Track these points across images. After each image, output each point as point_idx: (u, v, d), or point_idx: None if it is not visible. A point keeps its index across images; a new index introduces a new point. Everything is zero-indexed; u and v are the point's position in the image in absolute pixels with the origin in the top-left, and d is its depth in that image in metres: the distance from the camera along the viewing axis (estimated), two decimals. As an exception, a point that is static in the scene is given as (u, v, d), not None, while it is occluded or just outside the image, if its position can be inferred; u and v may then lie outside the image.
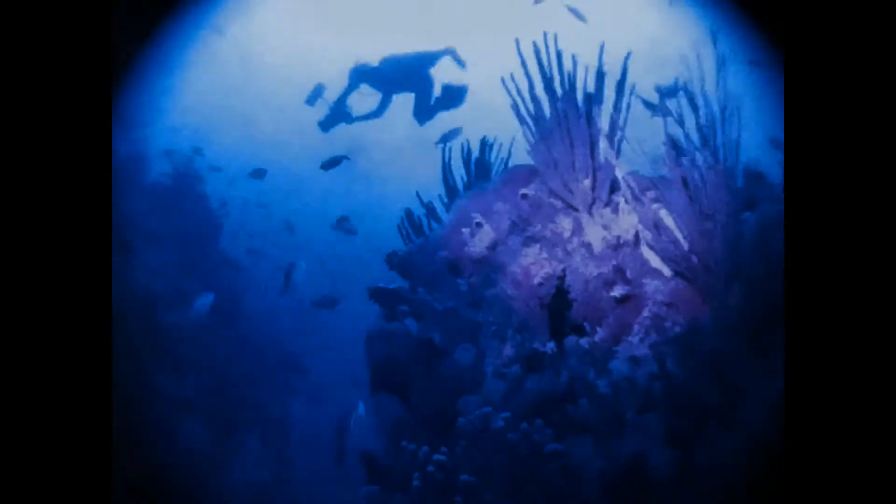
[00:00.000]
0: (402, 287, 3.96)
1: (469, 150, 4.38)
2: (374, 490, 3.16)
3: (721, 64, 3.00)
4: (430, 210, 4.56)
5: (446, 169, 4.43)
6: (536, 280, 3.57)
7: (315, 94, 6.82)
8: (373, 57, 6.62)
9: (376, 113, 6.73)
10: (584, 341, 3.42)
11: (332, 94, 6.82)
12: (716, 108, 3.06)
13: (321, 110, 6.83)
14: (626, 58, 3.63)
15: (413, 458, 2.98)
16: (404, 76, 6.49)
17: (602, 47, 3.63)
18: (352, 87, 6.64)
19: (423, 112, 6.63)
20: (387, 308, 4.06)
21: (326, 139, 6.96)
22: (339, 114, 6.68)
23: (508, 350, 3.58)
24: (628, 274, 3.50)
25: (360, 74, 6.57)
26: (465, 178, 4.38)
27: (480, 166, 4.40)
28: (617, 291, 3.40)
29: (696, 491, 2.88)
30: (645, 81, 3.77)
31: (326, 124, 6.72)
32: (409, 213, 4.54)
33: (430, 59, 6.58)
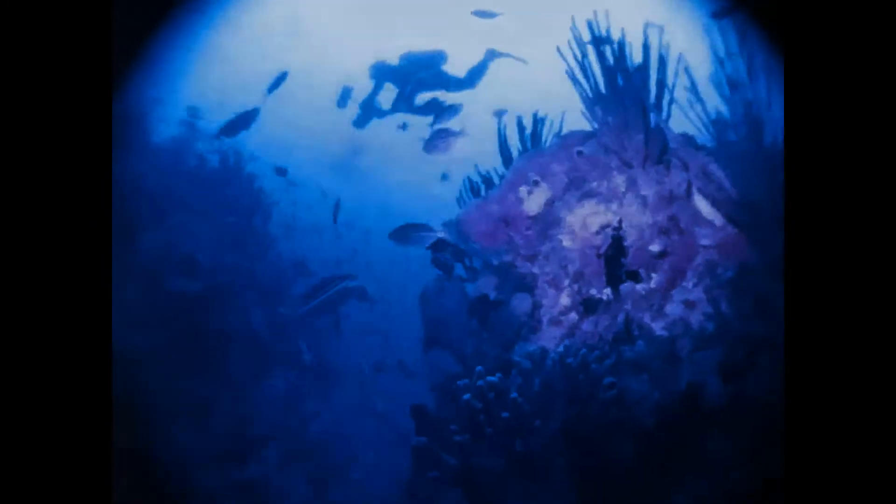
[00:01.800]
0: (457, 243, 4.13)
1: (523, 124, 4.54)
2: (423, 441, 3.32)
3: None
4: (487, 180, 4.73)
5: (502, 141, 4.59)
6: (593, 229, 3.71)
7: (344, 97, 6.96)
8: (392, 54, 6.76)
9: (405, 107, 6.86)
10: (640, 287, 3.55)
11: (358, 93, 7.00)
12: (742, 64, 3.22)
13: (352, 110, 7.02)
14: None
15: (465, 389, 3.13)
16: (422, 72, 6.65)
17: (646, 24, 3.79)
18: (378, 86, 6.80)
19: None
20: (442, 266, 4.23)
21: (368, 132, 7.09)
22: (370, 111, 6.82)
23: (565, 299, 3.72)
24: (682, 223, 3.62)
25: (382, 72, 6.76)
26: (520, 149, 4.55)
27: (534, 138, 4.55)
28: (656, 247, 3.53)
29: (751, 422, 3.00)
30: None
31: (360, 122, 6.87)
32: (468, 181, 4.72)
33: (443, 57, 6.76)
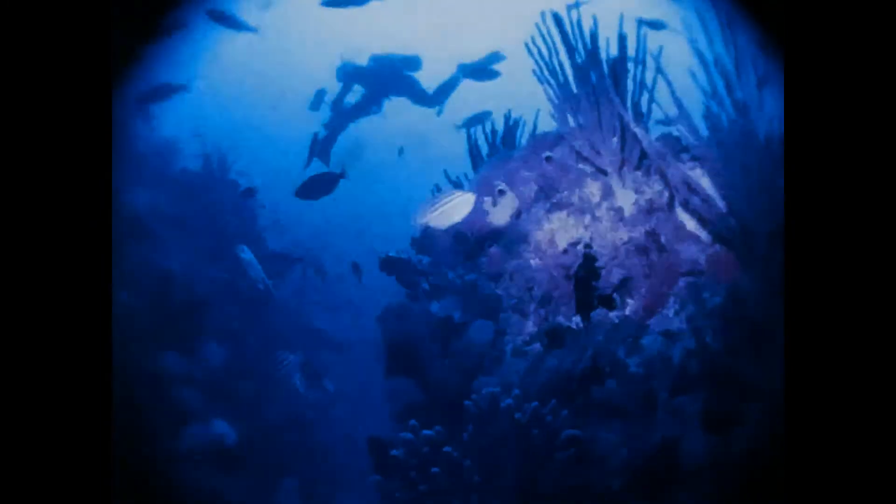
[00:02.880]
0: (417, 259, 3.69)
1: (493, 126, 4.09)
2: (380, 480, 2.90)
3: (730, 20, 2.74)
4: (457, 185, 4.28)
5: (472, 144, 4.14)
6: (562, 247, 3.24)
7: (317, 100, 6.71)
8: (361, 55, 6.51)
9: (376, 110, 6.58)
10: (613, 315, 3.09)
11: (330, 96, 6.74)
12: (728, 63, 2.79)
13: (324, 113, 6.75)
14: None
15: (418, 446, 2.70)
16: (390, 76, 6.35)
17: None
18: (346, 87, 6.52)
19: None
20: (403, 284, 3.80)
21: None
22: (340, 114, 6.55)
23: (530, 326, 3.27)
24: (662, 239, 3.15)
25: (349, 73, 6.44)
26: (488, 153, 4.10)
27: (507, 141, 4.10)
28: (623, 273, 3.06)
29: (735, 482, 2.54)
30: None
31: (330, 125, 6.60)
32: (437, 190, 4.28)
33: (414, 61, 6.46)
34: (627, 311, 3.07)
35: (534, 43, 3.42)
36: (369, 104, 6.43)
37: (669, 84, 3.11)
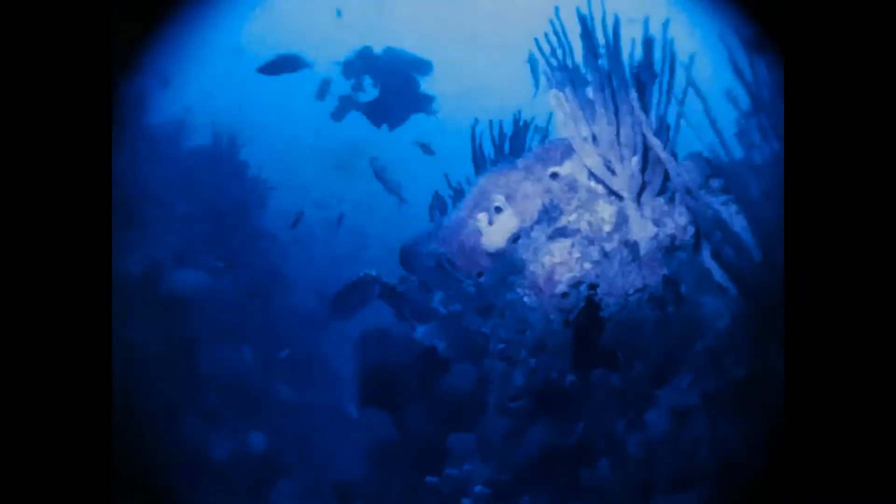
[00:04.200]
0: (402, 277, 3.19)
1: (501, 127, 3.54)
2: None
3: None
4: (457, 192, 3.74)
5: (476, 147, 3.59)
6: (560, 287, 2.72)
7: (322, 89, 6.29)
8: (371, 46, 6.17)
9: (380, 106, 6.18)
10: (615, 377, 2.58)
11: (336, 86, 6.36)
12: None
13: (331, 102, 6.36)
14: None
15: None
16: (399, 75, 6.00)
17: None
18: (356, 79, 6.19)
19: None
20: (387, 307, 3.33)
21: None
22: (346, 103, 6.14)
23: (517, 378, 2.77)
24: (683, 289, 2.61)
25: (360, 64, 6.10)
26: (493, 159, 3.56)
27: (515, 145, 3.55)
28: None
29: None
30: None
31: (338, 115, 6.19)
32: (436, 196, 3.75)
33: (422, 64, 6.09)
34: (632, 376, 2.56)
35: (546, 39, 2.86)
36: (373, 98, 6.07)
37: (700, 95, 2.56)
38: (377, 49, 6.02)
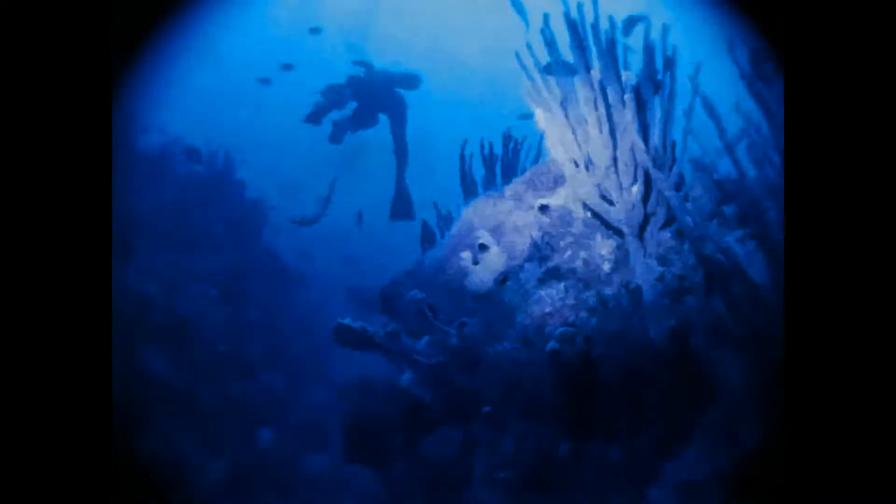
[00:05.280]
0: (379, 328, 2.84)
1: (492, 148, 3.18)
2: None
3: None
4: (447, 221, 3.38)
5: (465, 171, 3.23)
6: (552, 343, 2.35)
7: (317, 112, 6.02)
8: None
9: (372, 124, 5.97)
10: (616, 451, 2.22)
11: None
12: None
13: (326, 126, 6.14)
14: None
15: None
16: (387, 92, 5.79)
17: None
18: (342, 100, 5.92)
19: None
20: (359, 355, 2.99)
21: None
22: (341, 126, 5.88)
23: (507, 443, 2.42)
24: (692, 341, 2.23)
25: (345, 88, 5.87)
26: (482, 184, 3.20)
27: (507, 168, 3.18)
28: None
29: None
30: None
31: (335, 137, 5.97)
32: (424, 227, 3.39)
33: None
34: (634, 446, 2.19)
35: (528, 51, 2.48)
36: (366, 119, 5.78)
37: (713, 112, 2.18)
38: (367, 69, 5.78)
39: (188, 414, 4.57)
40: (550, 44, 2.46)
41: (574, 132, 2.42)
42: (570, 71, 2.40)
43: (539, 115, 2.42)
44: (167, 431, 4.38)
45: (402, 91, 5.69)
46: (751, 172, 2.24)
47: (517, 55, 2.50)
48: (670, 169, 2.41)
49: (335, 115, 5.72)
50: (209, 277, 4.99)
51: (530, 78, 2.50)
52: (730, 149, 2.18)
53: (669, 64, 2.39)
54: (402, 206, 5.41)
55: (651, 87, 2.37)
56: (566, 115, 2.43)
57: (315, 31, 8.52)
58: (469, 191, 3.23)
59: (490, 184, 3.18)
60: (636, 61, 2.47)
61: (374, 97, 5.68)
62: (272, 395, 4.94)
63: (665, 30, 2.37)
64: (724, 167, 2.35)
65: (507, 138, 3.22)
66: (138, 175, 4.96)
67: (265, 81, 5.99)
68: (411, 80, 5.70)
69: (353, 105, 5.70)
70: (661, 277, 2.35)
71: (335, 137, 5.76)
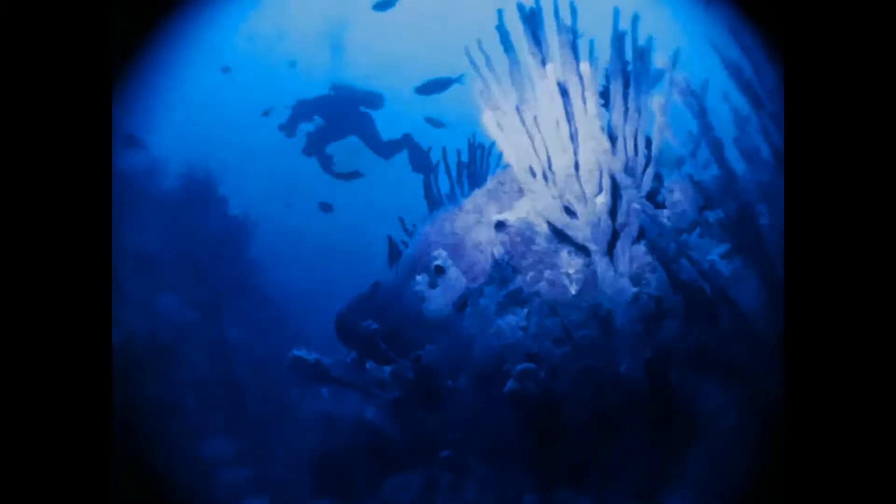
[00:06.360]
0: (334, 358, 2.57)
1: (460, 157, 2.90)
2: None
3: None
4: (413, 235, 3.09)
5: (429, 183, 2.95)
6: (511, 384, 2.05)
7: (290, 123, 5.83)
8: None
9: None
10: (587, 500, 1.92)
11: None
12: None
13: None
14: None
15: None
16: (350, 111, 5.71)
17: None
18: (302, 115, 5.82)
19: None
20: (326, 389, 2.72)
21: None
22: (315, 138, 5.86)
23: (470, 492, 2.13)
24: (672, 375, 1.92)
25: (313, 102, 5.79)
26: (447, 194, 2.91)
27: (473, 176, 2.89)
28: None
29: None
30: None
31: (308, 150, 5.89)
32: (390, 244, 3.10)
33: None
34: (607, 496, 1.89)
35: (479, 48, 2.19)
36: (331, 135, 5.61)
37: (695, 101, 1.89)
38: (334, 88, 5.65)
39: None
40: (505, 40, 2.18)
41: (530, 136, 2.12)
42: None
43: (488, 117, 2.12)
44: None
45: (366, 109, 5.51)
46: (739, 170, 1.96)
47: (467, 52, 2.21)
48: (643, 172, 2.11)
49: (308, 126, 5.53)
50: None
51: (480, 77, 2.21)
52: (715, 144, 1.89)
53: (642, 54, 2.09)
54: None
55: (620, 80, 2.07)
56: (520, 117, 2.13)
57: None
58: (434, 203, 2.94)
59: (455, 195, 2.89)
60: (603, 52, 2.17)
61: (342, 113, 5.50)
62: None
63: (635, 17, 2.07)
64: (708, 166, 2.07)
65: (472, 146, 2.92)
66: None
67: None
68: (374, 100, 5.51)
69: (321, 122, 5.53)
70: (635, 299, 2.04)
71: (308, 150, 5.57)
